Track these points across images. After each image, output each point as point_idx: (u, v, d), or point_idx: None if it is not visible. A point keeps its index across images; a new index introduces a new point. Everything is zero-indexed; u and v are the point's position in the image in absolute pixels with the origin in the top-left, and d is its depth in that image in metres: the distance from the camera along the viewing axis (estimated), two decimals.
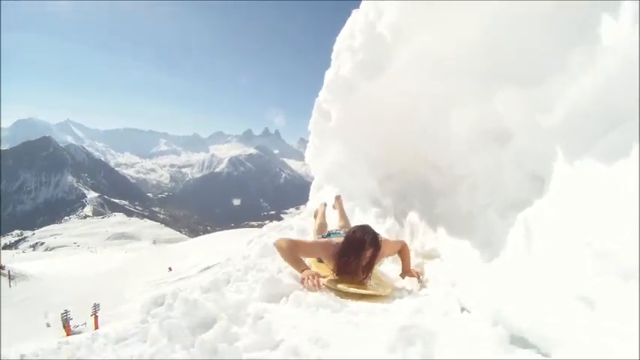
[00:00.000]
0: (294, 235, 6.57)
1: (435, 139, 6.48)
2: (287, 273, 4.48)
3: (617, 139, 2.89)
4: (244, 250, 7.28)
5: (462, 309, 3.25)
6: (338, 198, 7.35)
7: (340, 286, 4.07)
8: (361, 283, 4.21)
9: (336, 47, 8.78)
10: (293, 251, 4.39)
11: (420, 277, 4.87)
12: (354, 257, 4.24)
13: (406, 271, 4.94)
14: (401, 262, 5.06)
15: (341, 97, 8.40)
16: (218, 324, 2.80)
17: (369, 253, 4.23)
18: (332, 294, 3.83)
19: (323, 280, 4.18)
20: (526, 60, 4.39)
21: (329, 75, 8.84)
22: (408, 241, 5.97)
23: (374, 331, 2.76)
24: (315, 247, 4.73)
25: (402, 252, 5.05)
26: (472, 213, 5.08)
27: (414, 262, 5.48)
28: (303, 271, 4.19)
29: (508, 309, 2.65)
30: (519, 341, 2.45)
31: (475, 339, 2.42)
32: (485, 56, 5.04)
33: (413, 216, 6.43)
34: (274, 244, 4.59)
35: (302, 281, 4.04)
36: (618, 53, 3.14)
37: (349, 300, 3.80)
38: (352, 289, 4.01)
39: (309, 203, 10.23)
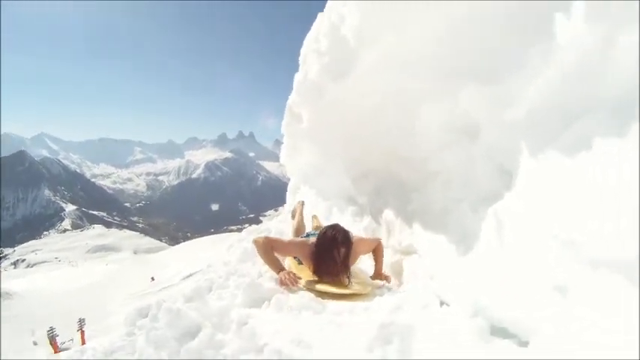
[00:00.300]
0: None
1: (405, 137, 6.55)
2: (267, 277, 4.48)
3: (577, 132, 2.98)
4: (225, 256, 7.28)
5: (441, 303, 3.29)
6: (302, 203, 7.43)
7: (320, 287, 4.08)
8: (341, 283, 4.19)
9: (303, 50, 8.76)
10: (268, 248, 4.46)
11: (390, 280, 4.83)
12: (328, 257, 4.24)
13: (377, 274, 4.94)
14: (374, 263, 5.07)
15: (310, 99, 8.46)
16: (203, 332, 2.82)
17: (342, 252, 4.23)
18: (313, 295, 3.83)
19: (302, 282, 4.25)
20: (488, 58, 4.51)
21: (298, 78, 8.85)
22: (385, 239, 6.05)
23: (355, 330, 2.79)
24: (291, 246, 4.75)
25: (376, 251, 5.05)
26: (446, 208, 5.14)
27: (393, 258, 5.55)
28: (279, 272, 4.32)
29: (486, 300, 2.70)
30: (499, 332, 2.50)
31: (454, 331, 2.49)
32: (449, 55, 5.14)
33: (388, 213, 6.48)
34: (253, 241, 4.64)
35: (280, 282, 4.13)
36: (573, 50, 3.25)
37: (330, 300, 3.79)
38: (332, 290, 4.02)
39: (287, 205, 10.24)
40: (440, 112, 5.53)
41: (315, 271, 4.39)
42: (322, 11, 8.18)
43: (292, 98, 9.13)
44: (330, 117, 8.23)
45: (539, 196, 3.19)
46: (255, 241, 4.55)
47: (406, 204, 6.13)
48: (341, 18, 7.05)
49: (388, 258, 5.63)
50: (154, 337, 2.84)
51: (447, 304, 3.24)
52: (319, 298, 3.79)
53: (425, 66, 5.64)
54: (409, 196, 6.18)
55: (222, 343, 2.77)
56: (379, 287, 4.54)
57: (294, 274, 4.26)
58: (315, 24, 8.38)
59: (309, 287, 4.15)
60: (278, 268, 4.41)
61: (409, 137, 6.36)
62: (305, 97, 8.59)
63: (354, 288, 4.15)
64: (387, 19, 5.91)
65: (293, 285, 4.06)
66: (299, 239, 4.90)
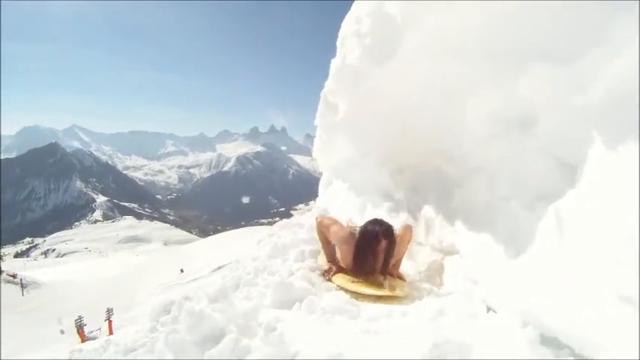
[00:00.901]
0: (303, 233, 6.32)
1: (450, 128, 6.23)
2: (299, 275, 4.28)
3: None
4: (254, 251, 7.10)
5: (488, 309, 3.15)
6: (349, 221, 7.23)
7: (354, 287, 3.93)
8: (377, 283, 4.00)
9: (341, 33, 8.31)
10: (319, 230, 4.72)
11: (404, 278, 4.53)
12: (369, 253, 4.03)
13: (393, 269, 4.47)
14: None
15: (348, 86, 8.04)
16: (227, 337, 2.62)
17: (383, 245, 3.99)
18: (347, 296, 3.75)
19: (338, 282, 4.14)
20: (558, 35, 4.02)
21: (335, 63, 8.47)
22: (423, 237, 5.87)
23: (395, 339, 2.66)
24: (336, 236, 4.48)
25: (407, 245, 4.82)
26: (492, 205, 4.79)
27: (432, 257, 5.35)
28: (328, 261, 4.64)
29: (538, 308, 2.54)
30: (550, 342, 2.35)
31: (509, 346, 2.32)
32: (508, 33, 4.67)
33: (428, 210, 6.18)
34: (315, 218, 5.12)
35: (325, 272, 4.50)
36: None
37: (365, 302, 3.68)
38: (367, 291, 3.86)
39: (318, 199, 10.11)
40: (491, 100, 5.11)
41: (353, 268, 4.24)
42: None
43: (328, 86, 8.81)
44: (369, 105, 7.87)
45: (612, 195, 2.80)
46: (316, 219, 4.98)
47: (447, 200, 5.82)
48: None
49: (426, 256, 5.47)
50: (172, 342, 2.66)
51: (494, 311, 3.09)
52: (353, 300, 3.70)
53: (478, 46, 5.14)
54: (451, 193, 5.86)
55: (248, 349, 2.59)
56: (417, 289, 4.30)
57: (334, 272, 4.37)
58: (354, 4, 7.99)
59: (343, 286, 4.03)
60: (329, 256, 4.67)
61: (454, 127, 6.01)
62: (342, 84, 8.23)
63: (392, 289, 3.94)
64: None
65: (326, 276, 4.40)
66: (346, 232, 4.56)
